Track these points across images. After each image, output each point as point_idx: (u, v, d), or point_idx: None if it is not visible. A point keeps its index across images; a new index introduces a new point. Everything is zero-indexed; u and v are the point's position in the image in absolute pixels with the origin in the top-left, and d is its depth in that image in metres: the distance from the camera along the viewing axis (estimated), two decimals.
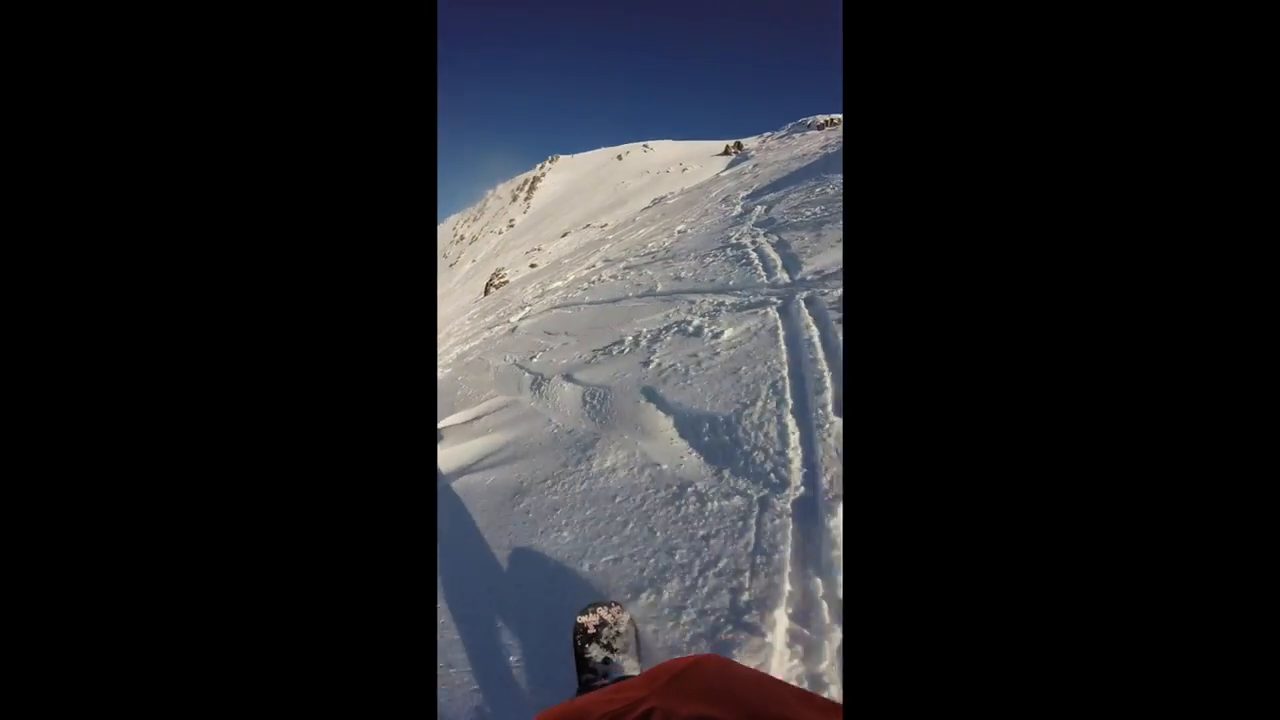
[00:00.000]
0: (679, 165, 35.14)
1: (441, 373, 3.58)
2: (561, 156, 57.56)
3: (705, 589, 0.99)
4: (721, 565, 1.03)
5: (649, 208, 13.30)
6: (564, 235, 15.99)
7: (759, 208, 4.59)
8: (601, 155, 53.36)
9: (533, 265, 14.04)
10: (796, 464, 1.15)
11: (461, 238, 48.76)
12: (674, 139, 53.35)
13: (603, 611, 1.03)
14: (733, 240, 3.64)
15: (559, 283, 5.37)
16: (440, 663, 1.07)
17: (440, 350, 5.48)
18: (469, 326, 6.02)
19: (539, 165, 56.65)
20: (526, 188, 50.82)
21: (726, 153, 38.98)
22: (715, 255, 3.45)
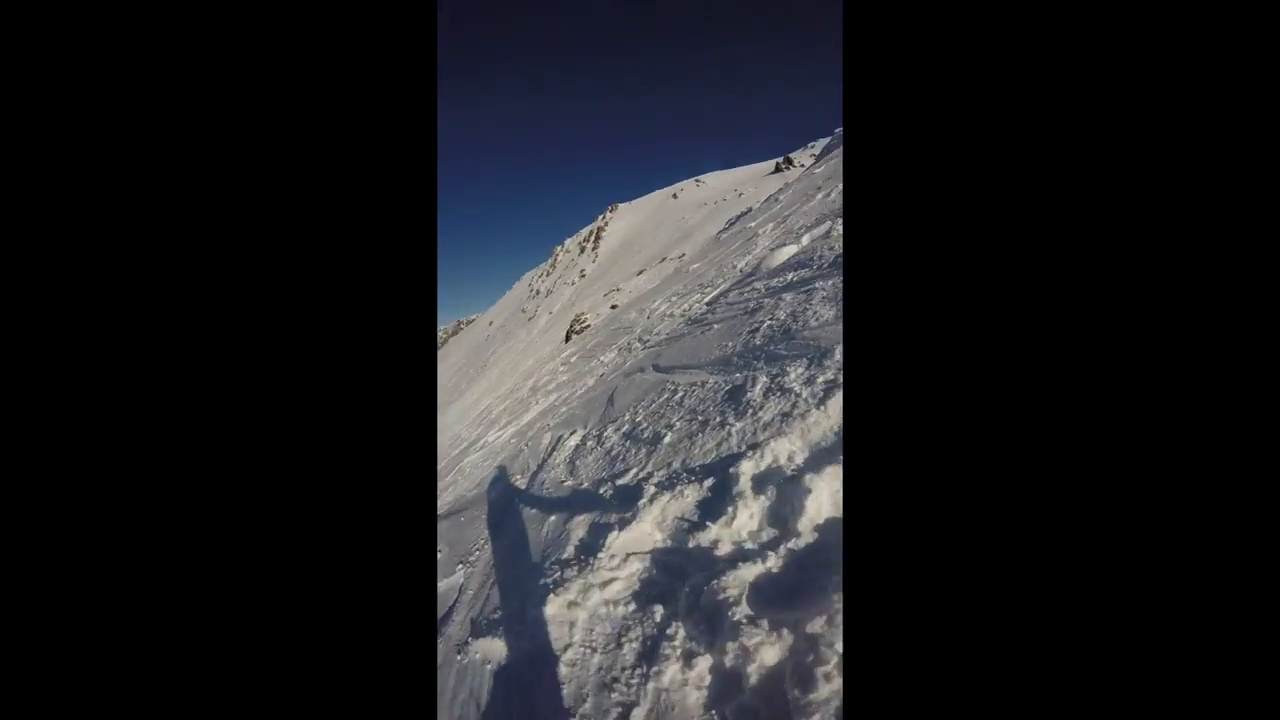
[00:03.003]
0: (734, 191, 35.37)
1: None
2: (620, 205, 59.73)
3: None
4: None
5: (724, 229, 13.33)
6: (640, 273, 16.35)
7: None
8: (658, 197, 55.04)
9: (613, 306, 14.40)
10: None
11: (537, 292, 51.29)
12: (722, 169, 54.25)
13: None
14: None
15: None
16: None
17: (508, 419, 5.13)
18: (564, 373, 5.85)
19: (600, 216, 59.06)
20: (592, 238, 52.96)
21: (777, 170, 38.85)
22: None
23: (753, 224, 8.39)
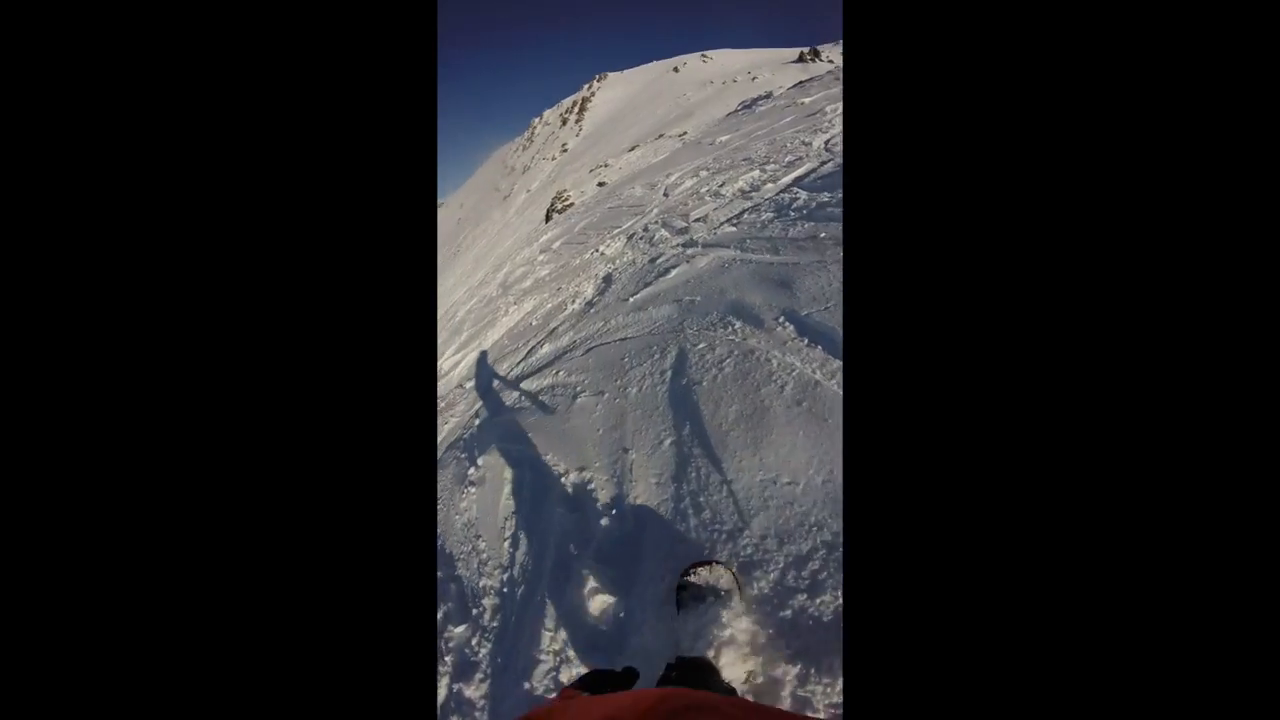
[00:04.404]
0: (747, 74, 31.54)
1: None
2: (610, 74, 54.24)
3: None
4: None
5: (737, 112, 11.20)
6: (633, 149, 14.05)
7: None
8: (655, 69, 49.79)
9: (600, 183, 12.35)
10: None
11: (512, 169, 47.18)
12: (734, 48, 49.17)
13: (705, 572, 1.00)
14: None
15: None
16: None
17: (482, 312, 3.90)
18: (545, 265, 4.27)
19: (586, 85, 53.75)
20: (576, 109, 48.20)
21: (801, 60, 34.61)
22: None
23: (805, 100, 6.43)
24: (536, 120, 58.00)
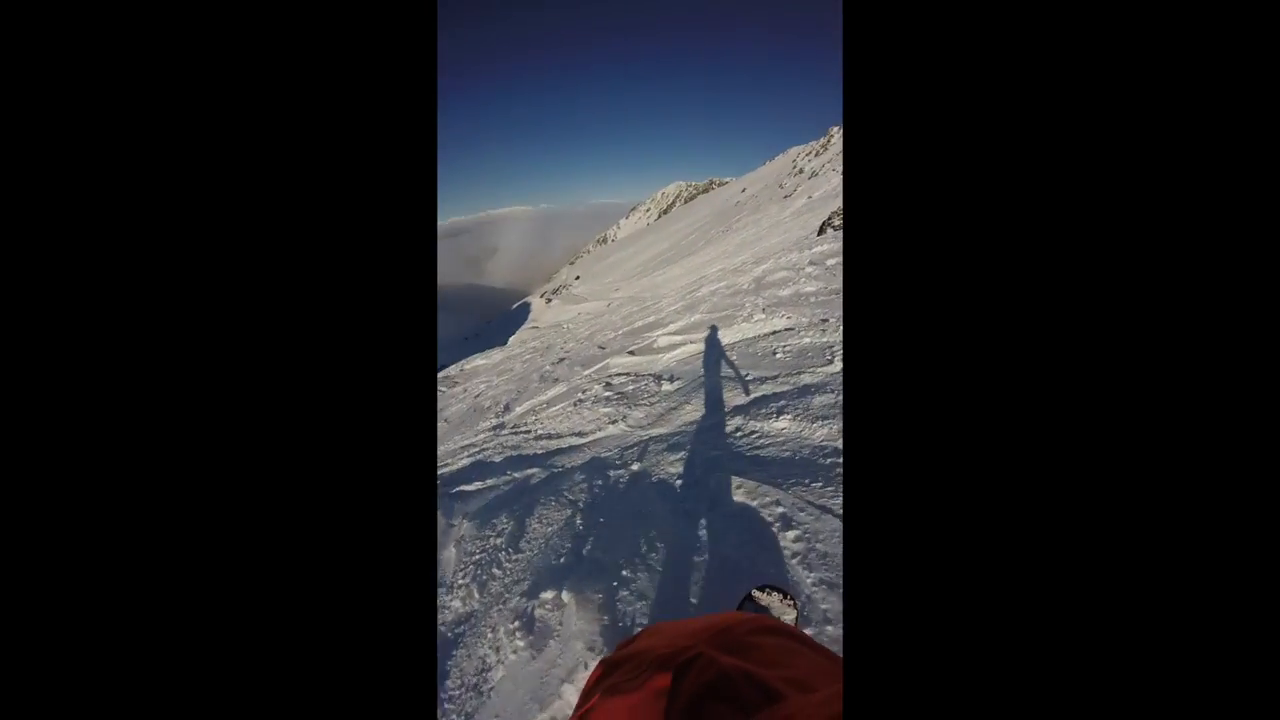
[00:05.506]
0: None
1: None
2: None
3: None
4: None
5: None
6: None
7: None
8: None
9: None
10: None
11: (800, 170, 47.96)
12: None
13: (775, 596, 1.06)
14: None
15: None
16: None
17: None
18: (813, 277, 3.69)
19: None
20: None
21: None
22: None
23: None
24: (835, 129, 56.83)
